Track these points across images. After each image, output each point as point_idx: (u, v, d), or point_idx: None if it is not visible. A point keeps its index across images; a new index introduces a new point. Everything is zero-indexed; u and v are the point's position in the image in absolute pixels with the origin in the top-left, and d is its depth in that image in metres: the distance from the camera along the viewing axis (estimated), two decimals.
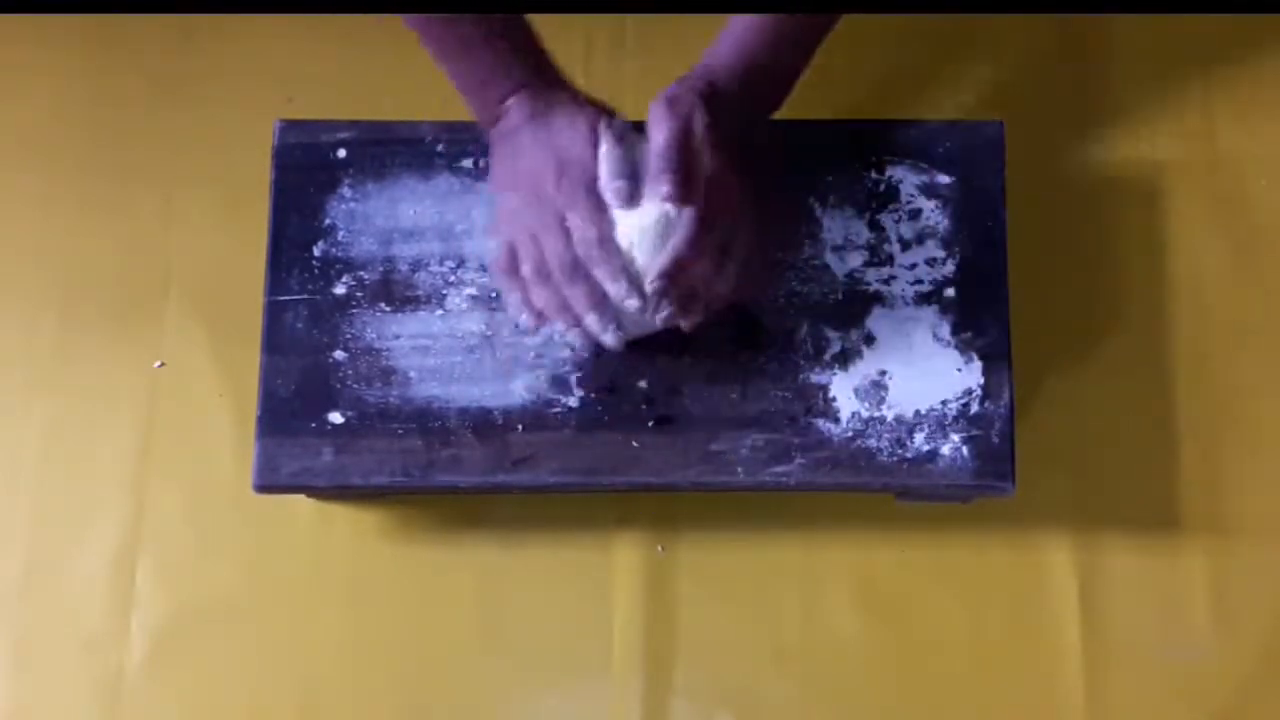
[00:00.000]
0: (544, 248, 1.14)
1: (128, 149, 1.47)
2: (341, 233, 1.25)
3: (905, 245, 1.25)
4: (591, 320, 1.14)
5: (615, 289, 1.13)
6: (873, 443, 1.21)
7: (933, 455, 1.21)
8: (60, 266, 1.44)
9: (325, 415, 1.21)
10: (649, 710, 1.34)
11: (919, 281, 1.24)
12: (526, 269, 1.15)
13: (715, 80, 1.16)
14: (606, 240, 1.13)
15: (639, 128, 1.16)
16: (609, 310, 1.14)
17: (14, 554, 1.38)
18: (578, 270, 1.14)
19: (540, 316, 1.16)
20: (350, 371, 1.22)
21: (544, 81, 1.18)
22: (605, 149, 1.14)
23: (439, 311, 1.24)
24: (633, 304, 1.13)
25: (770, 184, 1.20)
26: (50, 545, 1.38)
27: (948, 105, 1.44)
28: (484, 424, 1.21)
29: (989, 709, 1.34)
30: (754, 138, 1.20)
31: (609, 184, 1.14)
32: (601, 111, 1.18)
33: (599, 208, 1.14)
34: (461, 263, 1.25)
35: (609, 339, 1.15)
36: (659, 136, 1.13)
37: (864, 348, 1.23)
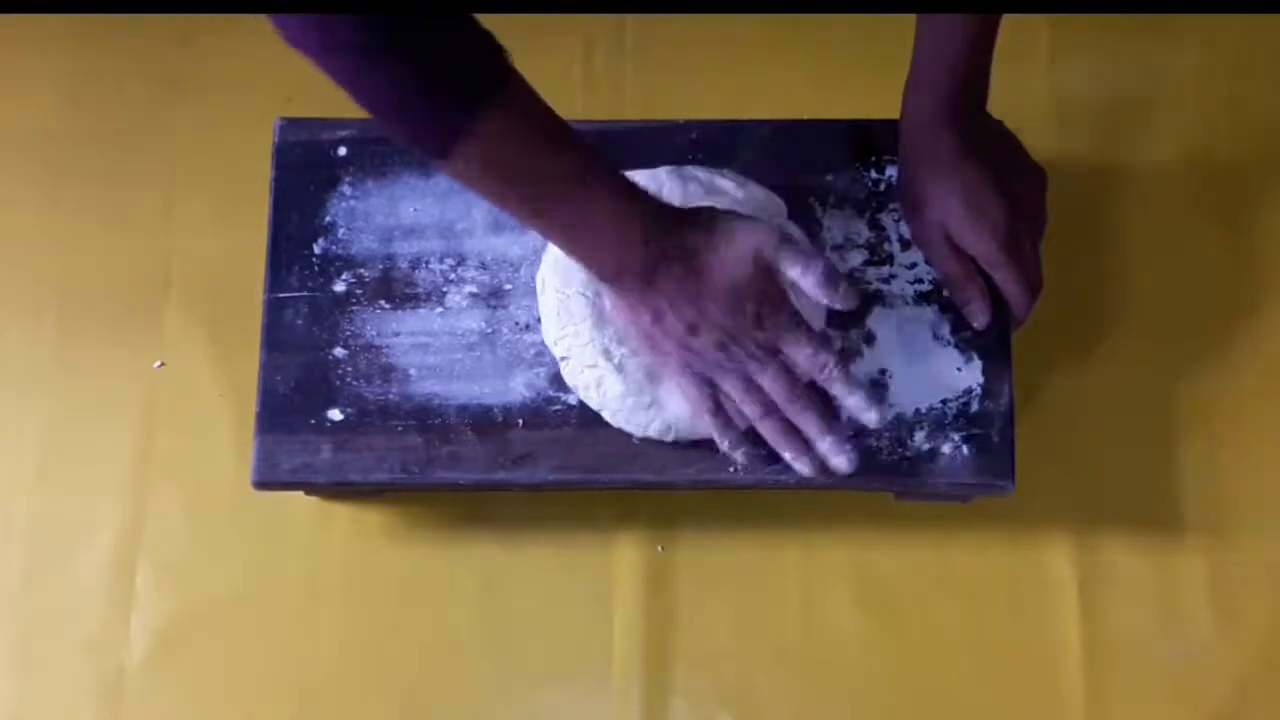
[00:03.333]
0: (763, 383, 1.13)
1: (128, 149, 1.47)
2: (341, 230, 1.25)
3: (905, 244, 1.25)
4: (827, 443, 1.14)
5: (856, 402, 1.13)
6: (872, 441, 1.21)
7: (933, 454, 1.21)
8: (60, 266, 1.44)
9: (325, 412, 1.22)
10: (649, 710, 1.34)
11: (919, 281, 1.24)
12: (750, 411, 1.14)
13: (962, 123, 1.18)
14: (831, 357, 1.12)
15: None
16: (841, 429, 1.15)
17: (14, 554, 1.38)
18: (807, 397, 1.13)
19: (746, 453, 1.16)
20: (350, 369, 1.22)
21: (657, 209, 1.09)
22: (802, 264, 1.10)
23: (439, 309, 1.24)
24: (872, 416, 1.13)
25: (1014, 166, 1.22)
26: (50, 545, 1.38)
27: None
28: (484, 421, 1.21)
29: (989, 709, 1.34)
30: (1005, 148, 1.23)
31: (838, 297, 1.11)
32: (744, 219, 1.12)
33: (806, 325, 1.13)
34: (461, 260, 1.25)
35: (844, 461, 1.14)
36: (1020, 302, 1.21)
37: (864, 347, 1.23)
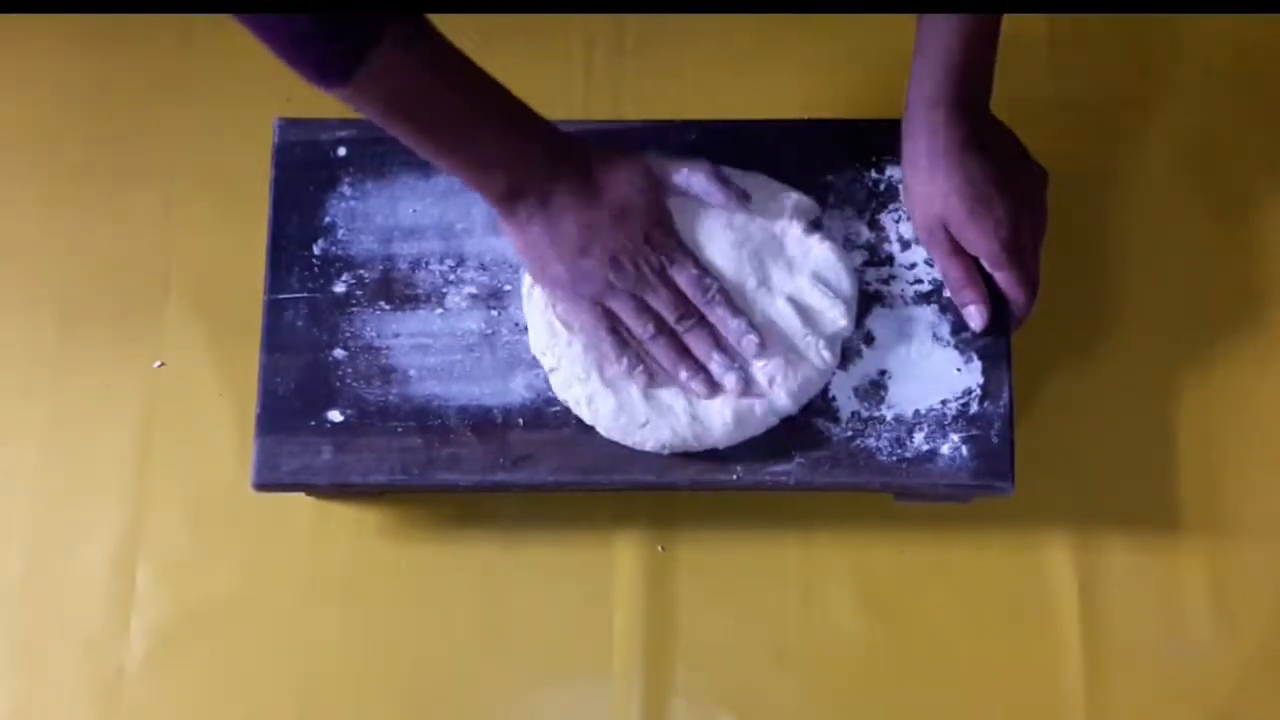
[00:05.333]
0: (652, 303, 1.18)
1: (128, 149, 1.47)
2: (341, 231, 1.25)
3: (905, 245, 1.25)
4: (716, 362, 1.18)
5: (737, 325, 1.18)
6: (872, 442, 1.21)
7: (932, 455, 1.21)
8: (60, 266, 1.44)
9: (325, 413, 1.21)
10: (649, 710, 1.34)
11: (919, 281, 1.24)
12: (641, 330, 1.18)
13: (970, 125, 1.18)
14: (715, 281, 1.19)
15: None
16: (730, 351, 1.19)
17: (14, 554, 1.38)
18: (697, 317, 1.19)
19: (651, 376, 1.19)
20: (350, 370, 1.22)
21: (551, 135, 1.16)
22: (698, 179, 1.19)
23: (439, 310, 1.24)
24: (752, 341, 1.18)
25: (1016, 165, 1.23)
26: (50, 545, 1.38)
27: None
28: (483, 422, 1.21)
29: (989, 709, 1.34)
30: (1007, 147, 1.23)
31: (730, 194, 1.20)
32: (631, 154, 1.20)
33: (690, 252, 1.20)
34: (461, 261, 1.25)
35: (732, 379, 1.18)
36: (1020, 302, 1.21)
37: (863, 347, 1.23)
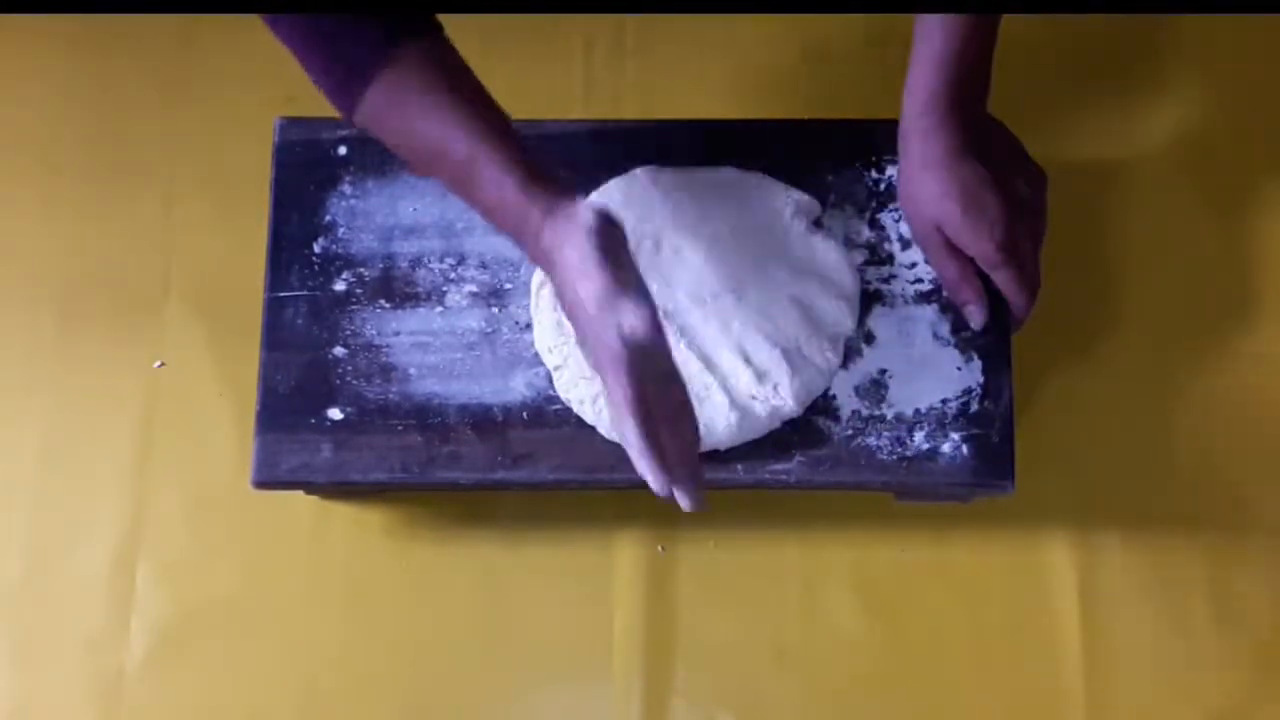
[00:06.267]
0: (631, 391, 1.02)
1: (128, 149, 1.47)
2: (342, 229, 1.26)
3: (905, 244, 1.25)
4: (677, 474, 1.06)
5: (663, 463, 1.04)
6: (872, 441, 1.21)
7: (932, 454, 1.21)
8: (60, 266, 1.44)
9: (325, 411, 1.22)
10: (649, 710, 1.34)
11: (919, 280, 1.24)
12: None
13: (961, 119, 1.17)
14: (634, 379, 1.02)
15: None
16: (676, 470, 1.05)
17: (14, 554, 1.38)
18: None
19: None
20: (350, 368, 1.22)
21: (529, 204, 1.05)
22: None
23: (439, 308, 1.24)
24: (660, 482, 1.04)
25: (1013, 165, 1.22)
26: (50, 545, 1.38)
27: None
28: (484, 420, 1.21)
29: (989, 709, 1.34)
30: (1004, 148, 1.22)
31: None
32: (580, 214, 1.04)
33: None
34: (461, 260, 1.25)
35: (688, 501, 1.06)
36: (1019, 303, 1.20)
37: (864, 346, 1.23)
